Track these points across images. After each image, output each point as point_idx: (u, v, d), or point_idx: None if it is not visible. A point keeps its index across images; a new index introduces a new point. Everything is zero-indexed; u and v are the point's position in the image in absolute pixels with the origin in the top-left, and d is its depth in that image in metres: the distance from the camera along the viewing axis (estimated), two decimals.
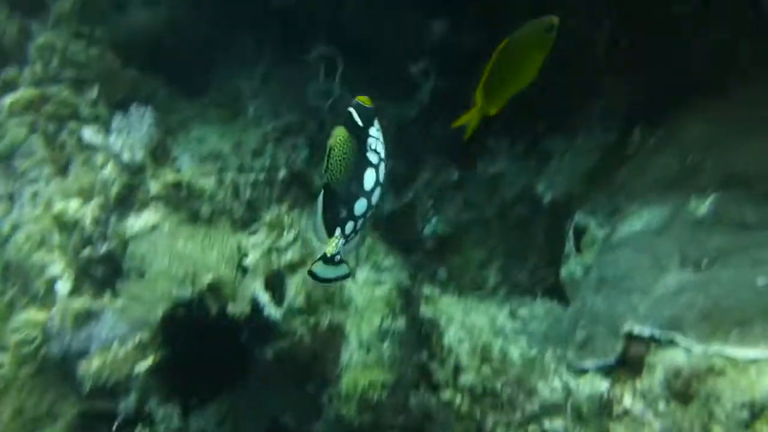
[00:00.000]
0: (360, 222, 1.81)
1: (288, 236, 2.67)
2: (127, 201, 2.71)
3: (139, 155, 2.73)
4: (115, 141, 2.74)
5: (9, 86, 3.39)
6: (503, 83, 1.92)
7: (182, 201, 2.75)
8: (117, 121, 2.86)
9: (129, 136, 2.74)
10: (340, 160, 1.78)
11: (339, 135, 1.80)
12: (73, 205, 2.83)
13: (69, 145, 3.19)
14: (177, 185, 2.75)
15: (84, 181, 2.77)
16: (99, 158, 2.79)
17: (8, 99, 3.27)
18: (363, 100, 1.83)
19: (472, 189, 3.66)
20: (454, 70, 3.38)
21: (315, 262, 1.79)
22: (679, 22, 2.29)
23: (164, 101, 4.37)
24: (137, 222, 2.60)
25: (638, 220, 2.12)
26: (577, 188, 2.71)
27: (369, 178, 1.80)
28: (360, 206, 1.79)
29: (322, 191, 1.79)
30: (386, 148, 1.83)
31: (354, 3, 3.32)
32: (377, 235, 3.64)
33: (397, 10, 3.27)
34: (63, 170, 3.21)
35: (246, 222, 2.85)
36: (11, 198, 3.19)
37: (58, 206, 2.84)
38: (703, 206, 1.96)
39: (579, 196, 2.64)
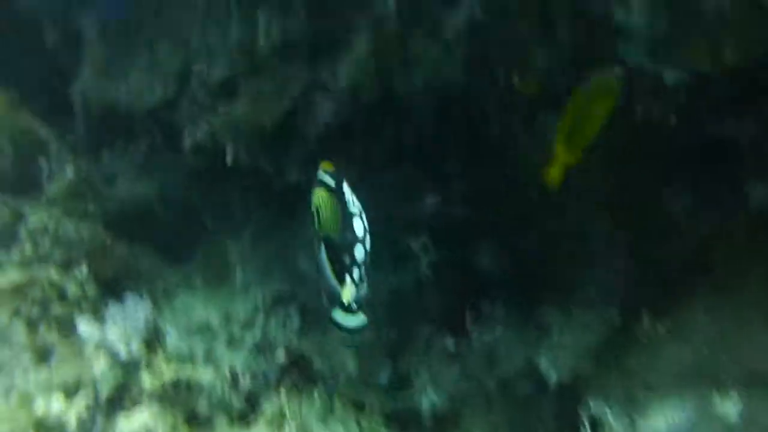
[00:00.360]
0: (363, 268, 1.92)
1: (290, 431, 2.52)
2: (118, 398, 2.55)
3: (135, 348, 2.62)
4: (110, 332, 2.63)
5: None
6: (579, 134, 2.11)
7: (179, 397, 2.59)
8: (111, 310, 2.76)
9: (124, 326, 2.64)
10: (329, 215, 1.96)
11: (320, 194, 2.00)
12: (55, 402, 2.63)
13: (53, 332, 3.05)
14: (175, 382, 2.61)
15: (69, 374, 2.61)
16: (89, 349, 2.66)
17: None
18: (326, 165, 2.05)
19: (469, 359, 3.59)
20: (446, 240, 3.46)
21: (333, 310, 1.86)
22: (673, 215, 2.44)
23: (150, 270, 4.33)
24: (128, 424, 2.42)
25: (661, 418, 2.08)
26: (585, 368, 2.68)
27: (358, 226, 1.97)
28: (359, 252, 1.93)
29: (322, 246, 1.92)
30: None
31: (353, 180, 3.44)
32: (375, 408, 3.48)
33: (391, 186, 3.40)
34: (44, 358, 3.04)
35: (244, 414, 2.69)
36: None
37: (37, 403, 2.64)
38: (729, 407, 1.94)
39: (588, 379, 2.61)
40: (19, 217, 3.47)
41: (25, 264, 3.30)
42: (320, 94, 3.12)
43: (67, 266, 3.39)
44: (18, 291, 3.14)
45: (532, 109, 2.41)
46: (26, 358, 2.96)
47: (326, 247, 1.94)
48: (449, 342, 3.65)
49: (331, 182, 2.03)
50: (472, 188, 3.11)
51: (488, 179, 2.99)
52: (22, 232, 3.41)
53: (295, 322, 3.85)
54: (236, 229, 4.60)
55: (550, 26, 2.08)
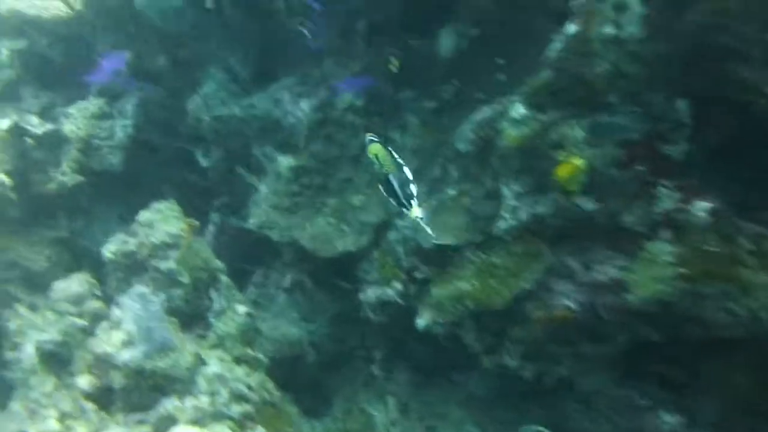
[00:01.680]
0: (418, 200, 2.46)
1: None
2: None
3: None
4: None
5: (168, 421, 2.95)
6: None
7: None
8: None
9: None
10: (387, 159, 2.55)
11: (376, 147, 2.64)
12: None
13: None
14: None
15: None
16: None
17: None
18: (371, 134, 2.76)
19: None
20: None
21: (423, 230, 2.52)
22: None
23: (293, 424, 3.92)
24: None
25: None
26: None
27: (407, 170, 2.51)
28: (414, 188, 2.47)
29: (390, 179, 2.49)
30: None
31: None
32: None
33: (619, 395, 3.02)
34: None
35: None
36: None
37: None
38: None
39: None
40: (198, 362, 3.17)
41: (201, 419, 2.95)
42: (562, 282, 2.86)
43: (241, 427, 3.03)
44: None
45: None
46: None
47: (395, 180, 2.47)
48: None
49: (379, 140, 2.67)
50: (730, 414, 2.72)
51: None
52: (201, 381, 3.10)
53: None
54: (378, 384, 4.23)
55: None
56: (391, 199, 2.50)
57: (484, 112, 3.07)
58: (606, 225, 2.73)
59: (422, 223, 2.44)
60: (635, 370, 2.95)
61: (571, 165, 2.58)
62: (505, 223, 2.95)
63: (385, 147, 2.63)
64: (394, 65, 3.54)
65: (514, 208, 2.92)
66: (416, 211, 2.44)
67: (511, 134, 2.75)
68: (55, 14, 4.48)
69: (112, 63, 4.33)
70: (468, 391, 3.95)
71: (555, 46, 2.73)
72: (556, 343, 2.96)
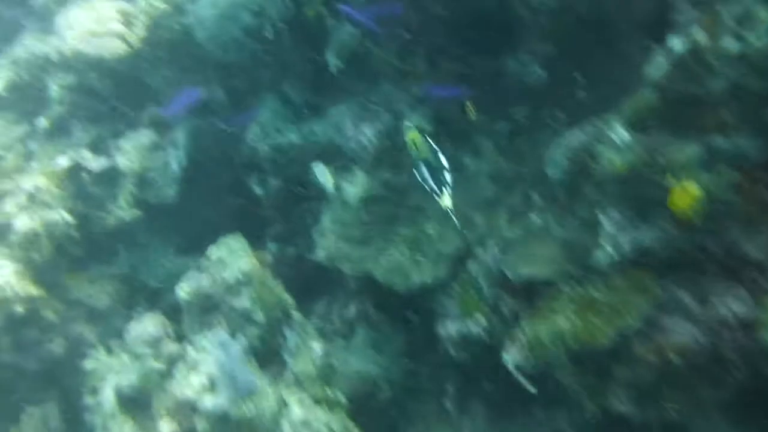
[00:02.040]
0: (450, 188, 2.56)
1: None
2: None
3: None
4: None
5: None
6: None
7: None
8: None
9: None
10: (423, 145, 2.64)
11: (413, 134, 2.75)
12: None
13: None
14: None
15: None
16: None
17: None
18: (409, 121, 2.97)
19: None
20: None
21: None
22: None
23: None
24: None
25: None
26: None
27: (443, 158, 2.59)
28: (448, 176, 2.56)
29: (423, 166, 2.60)
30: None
31: None
32: None
33: None
34: None
35: None
36: None
37: None
38: None
39: None
40: (282, 405, 3.03)
41: None
42: (674, 318, 2.64)
43: None
44: None
45: None
46: None
47: (427, 166, 2.56)
48: None
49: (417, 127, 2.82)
50: None
51: None
52: (285, 426, 2.95)
53: None
54: (457, 427, 4.01)
55: None
56: (425, 185, 2.59)
57: (577, 136, 2.88)
58: (724, 255, 2.51)
59: (452, 214, 2.48)
60: (760, 415, 2.69)
61: (688, 192, 2.36)
62: (604, 254, 2.74)
63: (423, 134, 2.72)
64: (471, 111, 3.39)
65: (614, 238, 2.72)
66: (447, 200, 2.52)
67: (614, 160, 2.55)
68: (114, 53, 4.43)
69: (186, 98, 4.30)
70: (555, 428, 3.72)
71: (658, 63, 2.53)
72: (668, 385, 2.73)
